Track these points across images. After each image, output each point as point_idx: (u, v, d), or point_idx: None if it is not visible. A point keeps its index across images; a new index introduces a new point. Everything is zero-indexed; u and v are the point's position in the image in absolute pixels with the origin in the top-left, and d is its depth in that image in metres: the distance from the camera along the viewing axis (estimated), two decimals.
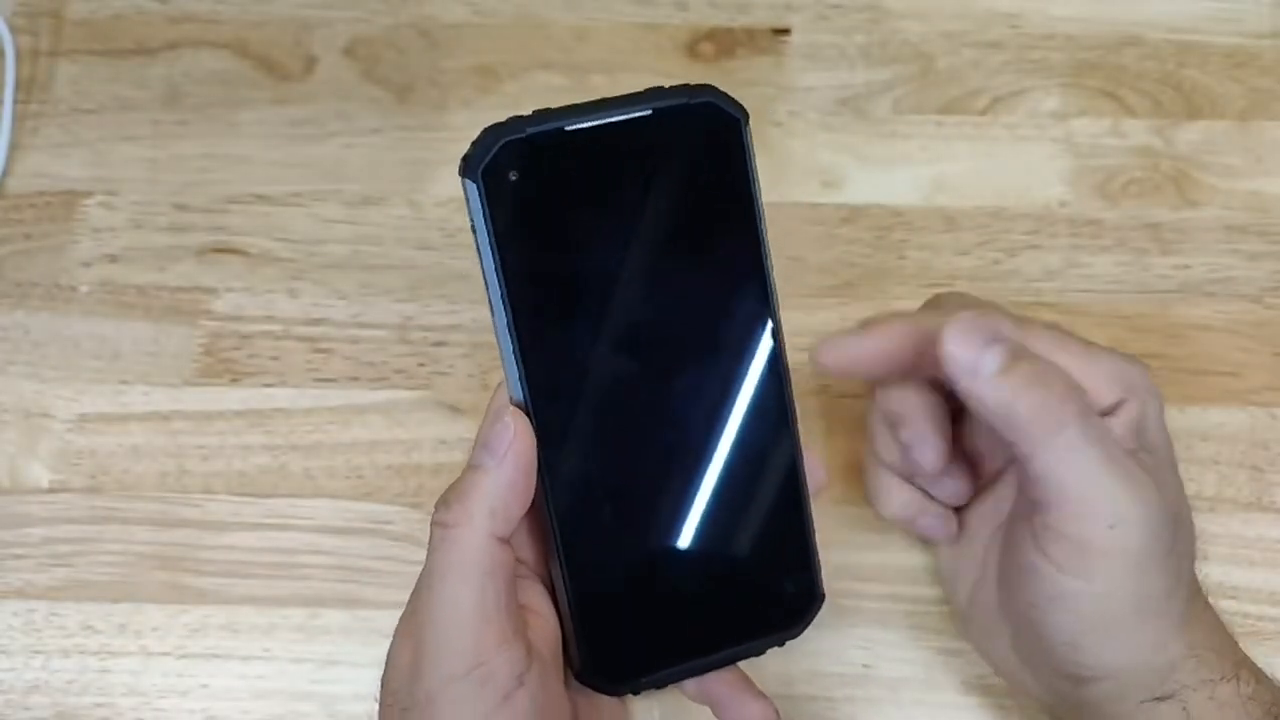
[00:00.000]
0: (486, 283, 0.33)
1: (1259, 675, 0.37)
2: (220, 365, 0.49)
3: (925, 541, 0.44)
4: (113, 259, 0.51)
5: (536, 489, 0.35)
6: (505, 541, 0.34)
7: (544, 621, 0.36)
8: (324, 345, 0.49)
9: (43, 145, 0.53)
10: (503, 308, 0.33)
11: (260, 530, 0.46)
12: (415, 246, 0.51)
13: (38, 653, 0.44)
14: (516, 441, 0.34)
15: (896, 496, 0.41)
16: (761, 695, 0.39)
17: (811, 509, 0.37)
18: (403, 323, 0.50)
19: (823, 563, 0.38)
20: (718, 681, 0.38)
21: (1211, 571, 0.45)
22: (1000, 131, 0.53)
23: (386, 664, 0.35)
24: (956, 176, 0.52)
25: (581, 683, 0.36)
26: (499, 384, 0.38)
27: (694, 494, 0.36)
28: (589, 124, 0.32)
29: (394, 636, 0.36)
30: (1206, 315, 0.49)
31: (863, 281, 0.50)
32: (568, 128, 0.32)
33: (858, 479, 0.46)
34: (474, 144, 0.33)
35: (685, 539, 0.36)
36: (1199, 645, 0.37)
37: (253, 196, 0.52)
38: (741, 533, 0.37)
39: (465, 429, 0.47)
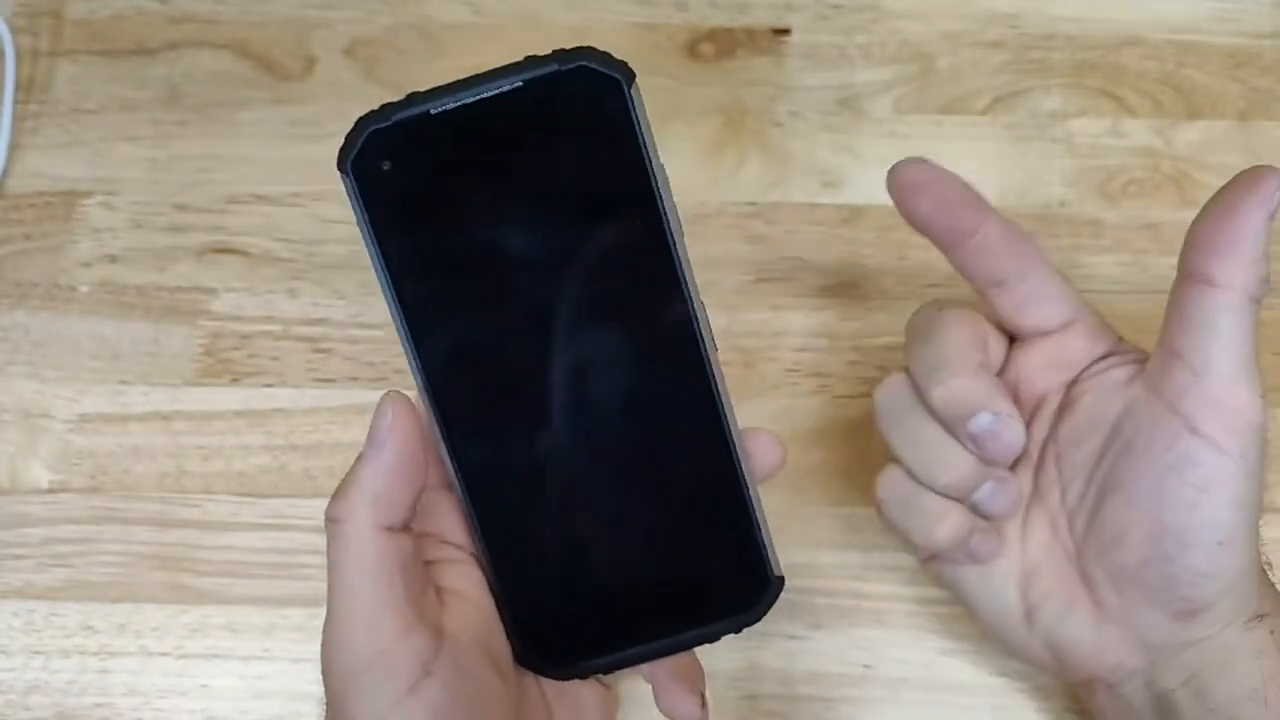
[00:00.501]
0: (374, 273, 0.32)
1: None
2: (220, 365, 0.49)
3: (972, 562, 0.40)
4: (113, 259, 0.51)
5: (447, 471, 0.34)
6: (395, 530, 0.33)
7: (468, 605, 0.35)
8: (324, 345, 0.49)
9: (43, 145, 0.53)
10: (391, 298, 0.32)
11: (260, 530, 0.46)
12: None
13: (38, 653, 0.44)
14: (395, 427, 0.33)
15: (948, 519, 0.38)
16: (691, 693, 0.37)
17: (755, 491, 0.36)
18: None
19: (774, 548, 0.37)
20: (660, 669, 0.37)
21: None
22: (1000, 131, 0.53)
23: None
24: (957, 174, 0.52)
25: (520, 665, 0.36)
26: None
27: (612, 475, 0.35)
28: (455, 104, 0.31)
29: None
30: None
31: (863, 281, 0.50)
32: (433, 111, 0.31)
33: (857, 479, 0.46)
34: (345, 135, 0.32)
35: (607, 522, 0.35)
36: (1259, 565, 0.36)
37: (253, 196, 0.52)
38: (672, 512, 0.36)
39: None
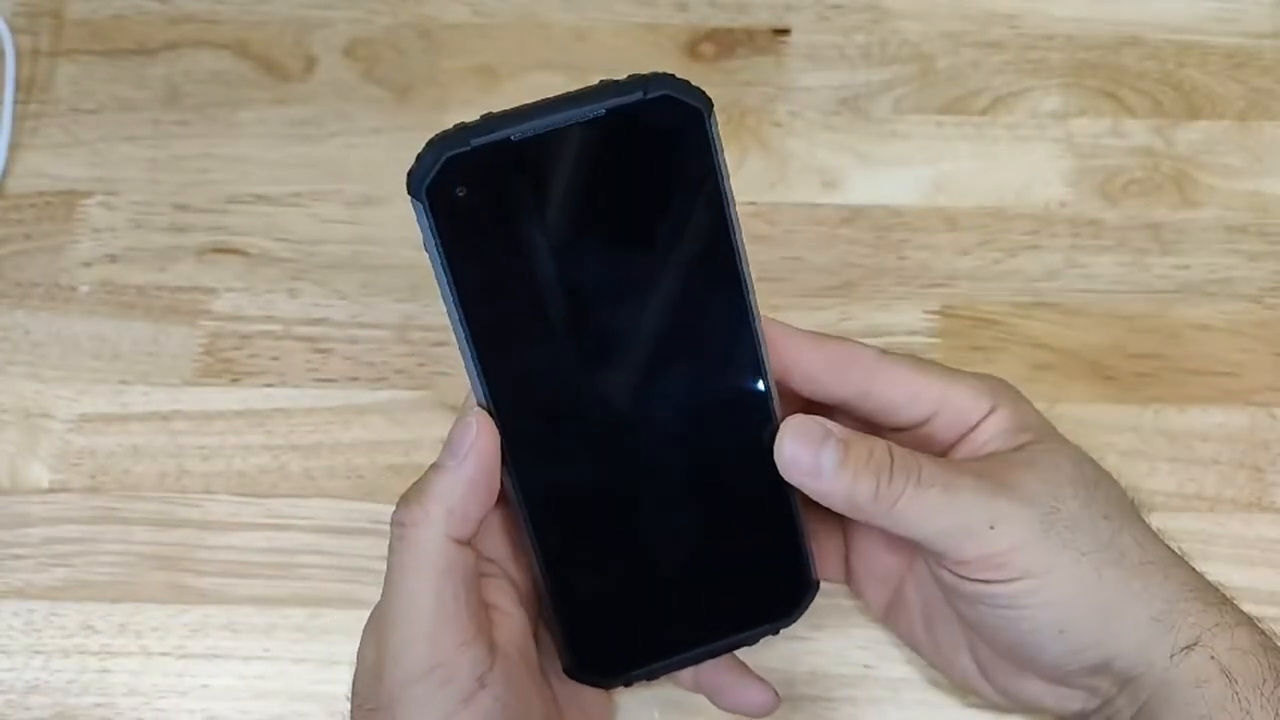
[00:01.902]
0: (441, 296, 0.32)
1: (1258, 624, 0.37)
2: (220, 365, 0.49)
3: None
4: (113, 259, 0.51)
5: (506, 489, 0.34)
6: (464, 543, 0.34)
7: (511, 620, 0.35)
8: (324, 345, 0.49)
9: (43, 145, 0.53)
10: (459, 321, 0.32)
11: (260, 530, 0.46)
12: (415, 246, 0.50)
13: (38, 653, 0.44)
14: (479, 441, 0.33)
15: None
16: (760, 679, 0.39)
17: (797, 497, 0.37)
18: (403, 323, 0.50)
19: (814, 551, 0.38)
20: (714, 670, 0.38)
21: (1212, 571, 0.45)
22: (1000, 131, 0.53)
23: (356, 664, 0.36)
24: (956, 176, 0.52)
25: (570, 678, 0.36)
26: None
27: (672, 489, 0.36)
28: (537, 131, 0.31)
29: (362, 636, 0.36)
30: (1206, 315, 0.49)
31: (863, 281, 0.50)
32: (515, 138, 0.31)
33: None
34: (417, 158, 0.31)
35: (665, 533, 0.36)
36: (1192, 585, 0.36)
37: (253, 196, 0.52)
38: (724, 524, 0.37)
39: None
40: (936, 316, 0.49)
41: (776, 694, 0.39)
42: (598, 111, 0.31)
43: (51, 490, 0.47)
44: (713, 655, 0.38)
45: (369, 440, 0.47)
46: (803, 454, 0.34)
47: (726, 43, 0.55)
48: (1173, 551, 0.37)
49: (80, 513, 0.46)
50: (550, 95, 0.31)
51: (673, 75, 0.32)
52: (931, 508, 0.35)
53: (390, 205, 0.52)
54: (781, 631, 0.38)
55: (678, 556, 0.37)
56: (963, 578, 0.35)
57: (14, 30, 0.55)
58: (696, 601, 0.37)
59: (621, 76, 0.32)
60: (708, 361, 0.34)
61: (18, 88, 0.54)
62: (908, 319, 0.49)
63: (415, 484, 0.34)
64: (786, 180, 0.52)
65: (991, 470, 0.36)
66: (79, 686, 0.44)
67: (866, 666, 0.44)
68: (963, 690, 0.41)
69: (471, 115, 0.53)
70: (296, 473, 0.47)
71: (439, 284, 0.32)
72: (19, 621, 0.45)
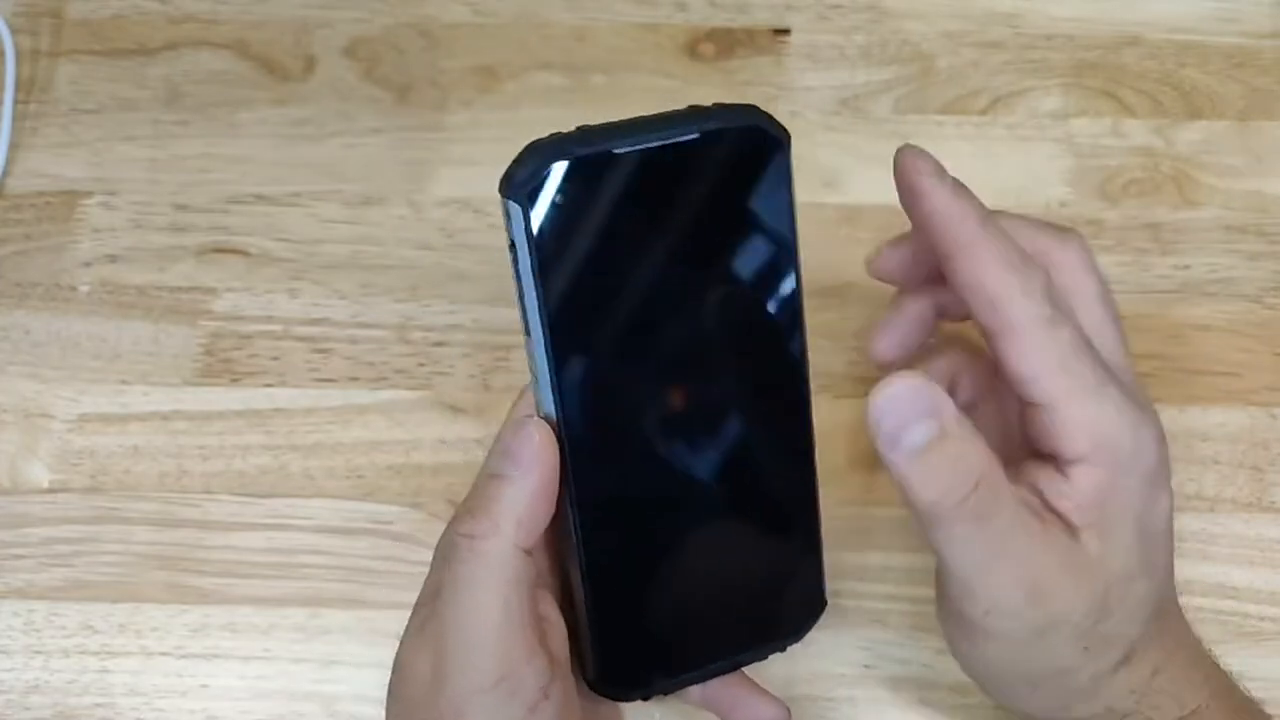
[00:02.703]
0: (523, 301, 0.33)
1: (1235, 704, 0.37)
2: (220, 365, 0.49)
3: None
4: (113, 259, 0.51)
5: (559, 500, 0.34)
6: (528, 552, 0.34)
7: (559, 630, 0.36)
8: (324, 345, 0.49)
9: (43, 145, 0.53)
10: (541, 329, 0.33)
11: (260, 530, 0.46)
12: (415, 246, 0.51)
13: (38, 653, 0.44)
14: (543, 451, 0.33)
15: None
16: (772, 696, 0.39)
17: (821, 523, 0.38)
18: (403, 323, 0.50)
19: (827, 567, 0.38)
20: (724, 686, 0.39)
21: (1211, 571, 0.45)
22: (1000, 131, 0.53)
23: (399, 670, 0.35)
24: (957, 176, 0.52)
25: (593, 690, 0.37)
26: (523, 390, 0.38)
27: (714, 510, 0.36)
28: (636, 147, 0.32)
29: (406, 645, 0.35)
30: (1206, 315, 0.49)
31: (863, 281, 0.50)
32: (615, 150, 0.32)
33: (857, 479, 0.46)
34: (518, 163, 0.32)
35: (702, 554, 0.37)
36: (1149, 691, 0.36)
37: (253, 196, 0.52)
38: (756, 547, 0.37)
39: (465, 429, 0.47)
40: None
41: (787, 709, 0.39)
42: (691, 134, 0.32)
43: (51, 490, 0.47)
44: (725, 671, 0.39)
45: (369, 440, 0.47)
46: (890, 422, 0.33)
47: (726, 43, 0.55)
48: (1173, 644, 0.37)
49: (80, 513, 0.46)
50: (639, 115, 0.33)
51: (757, 107, 0.33)
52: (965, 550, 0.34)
53: (390, 205, 0.52)
54: (788, 649, 0.39)
55: (710, 576, 0.37)
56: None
57: (14, 30, 0.55)
58: (720, 619, 0.38)
59: (708, 103, 0.33)
60: (757, 385, 0.35)
61: (18, 88, 0.54)
62: None
63: (475, 495, 0.34)
64: None
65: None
66: (79, 686, 0.44)
67: (866, 666, 0.44)
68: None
69: (472, 115, 0.54)
70: (296, 473, 0.47)
71: (523, 288, 0.33)
72: (19, 621, 0.45)
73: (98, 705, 0.44)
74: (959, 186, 0.34)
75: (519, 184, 0.31)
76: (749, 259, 0.34)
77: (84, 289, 0.50)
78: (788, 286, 0.35)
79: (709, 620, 0.38)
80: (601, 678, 0.37)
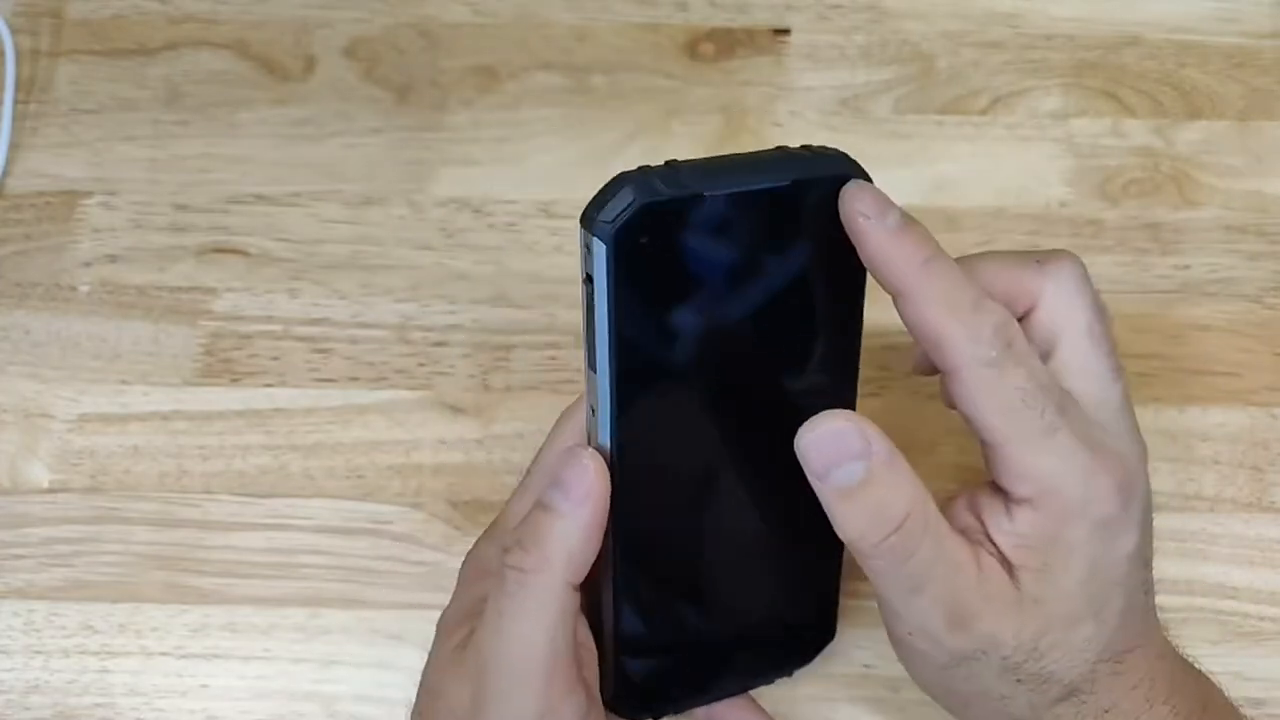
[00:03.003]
0: (592, 336, 0.32)
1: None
2: (220, 365, 0.49)
3: None
4: (113, 259, 0.51)
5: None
6: (576, 588, 0.34)
7: (592, 657, 0.36)
8: (324, 345, 0.49)
9: (43, 145, 0.53)
10: (609, 367, 0.32)
11: (260, 530, 0.46)
12: (415, 246, 0.51)
13: (38, 653, 0.44)
14: (596, 486, 0.33)
15: None
16: (763, 713, 0.40)
17: (844, 562, 0.38)
18: (403, 323, 0.50)
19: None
20: (728, 709, 0.39)
21: (1211, 571, 0.45)
22: (1000, 131, 0.53)
23: (431, 695, 0.36)
24: (956, 176, 0.52)
25: (609, 709, 0.37)
26: (564, 411, 0.38)
27: (744, 549, 0.37)
28: (728, 191, 0.31)
29: (441, 670, 0.35)
30: (1206, 315, 0.49)
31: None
32: (707, 194, 0.31)
33: None
34: (606, 199, 0.31)
35: (726, 587, 0.37)
36: None
37: (253, 196, 0.52)
38: (778, 583, 0.38)
39: (465, 429, 0.47)
40: None
41: None
42: (782, 182, 0.32)
43: (51, 490, 0.47)
44: (733, 693, 0.40)
45: (369, 440, 0.47)
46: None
47: (726, 43, 0.55)
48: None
49: (80, 513, 0.46)
50: (730, 153, 0.32)
51: (845, 154, 0.33)
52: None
53: (390, 205, 0.52)
54: (795, 674, 0.40)
55: (734, 604, 0.38)
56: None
57: (14, 30, 0.55)
58: (736, 647, 0.39)
59: (794, 145, 0.33)
60: (800, 420, 0.35)
61: (18, 88, 0.54)
62: None
63: (526, 527, 0.34)
64: None
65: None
66: (79, 686, 0.44)
67: (866, 666, 0.44)
68: None
69: (472, 115, 0.54)
70: (296, 473, 0.47)
71: (595, 324, 0.32)
72: (19, 621, 0.45)
73: (98, 705, 0.44)
74: (905, 223, 0.32)
75: (605, 221, 0.31)
76: (819, 310, 0.34)
77: (84, 289, 0.50)
78: (850, 341, 0.35)
79: (725, 648, 0.38)
80: (617, 698, 0.37)
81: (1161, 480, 0.46)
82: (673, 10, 0.56)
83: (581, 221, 0.31)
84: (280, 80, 0.55)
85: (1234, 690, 0.42)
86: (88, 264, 0.51)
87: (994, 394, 0.32)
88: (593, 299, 0.32)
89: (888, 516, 0.32)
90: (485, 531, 0.40)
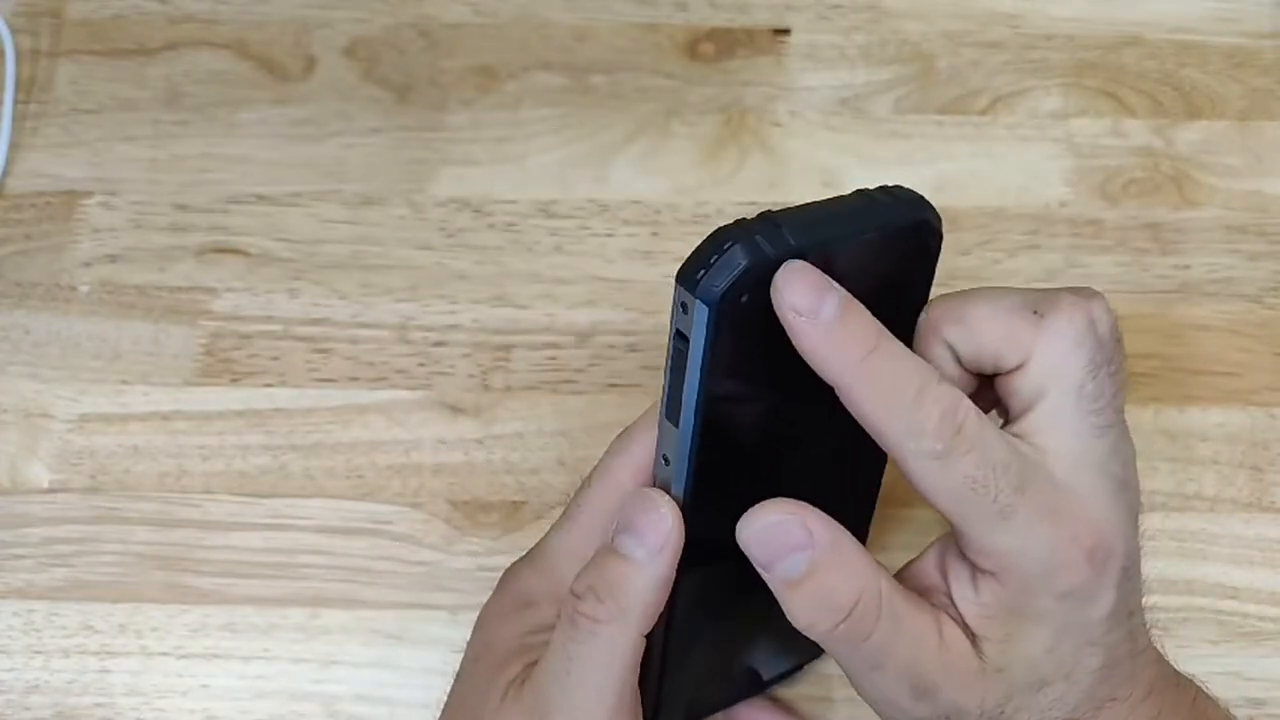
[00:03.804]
0: (677, 390, 0.31)
1: None
2: (220, 365, 0.49)
3: None
4: (113, 259, 0.51)
5: None
6: (645, 637, 0.34)
7: (640, 697, 0.35)
8: (324, 345, 0.49)
9: (43, 145, 0.53)
10: (692, 424, 0.31)
11: (260, 530, 0.46)
12: (415, 246, 0.51)
13: (38, 653, 0.44)
14: (673, 537, 0.33)
15: None
16: (788, 714, 0.40)
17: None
18: (403, 323, 0.50)
19: None
20: (750, 710, 0.40)
21: (1211, 571, 0.45)
22: (1000, 131, 0.53)
23: None
24: (956, 176, 0.52)
25: None
26: (617, 438, 0.36)
27: None
28: (825, 246, 0.30)
29: (491, 703, 0.35)
30: (1206, 315, 0.49)
31: None
32: (810, 254, 0.30)
33: None
34: (708, 257, 0.30)
35: (760, 615, 0.36)
36: None
37: (253, 196, 0.52)
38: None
39: (465, 429, 0.47)
40: None
41: None
42: (871, 232, 0.31)
43: (51, 490, 0.47)
44: (749, 695, 0.40)
45: (369, 440, 0.47)
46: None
47: (726, 43, 0.55)
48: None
49: (80, 513, 0.46)
50: (819, 200, 0.32)
51: (923, 198, 0.32)
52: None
53: (390, 205, 0.52)
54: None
55: (763, 628, 0.38)
56: None
57: (14, 30, 0.55)
58: (761, 659, 0.39)
59: (872, 187, 0.32)
60: (846, 474, 0.35)
61: (18, 88, 0.54)
62: None
63: (600, 574, 0.33)
64: (787, 180, 0.52)
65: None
66: (79, 686, 0.44)
67: None
68: None
69: (472, 115, 0.54)
70: (296, 473, 0.47)
71: (685, 380, 0.31)
72: (19, 621, 0.45)
73: (98, 705, 0.44)
74: (841, 315, 0.31)
75: (713, 285, 0.30)
76: None
77: (84, 289, 0.50)
78: None
79: (753, 661, 0.39)
80: (653, 718, 0.37)
81: (1161, 480, 0.46)
82: (673, 10, 0.56)
83: (679, 279, 0.30)
84: (280, 80, 0.55)
85: (1234, 690, 0.42)
86: (88, 264, 0.51)
87: (941, 484, 0.31)
88: (684, 357, 0.31)
89: (836, 605, 0.32)
90: (527, 558, 0.38)
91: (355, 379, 0.49)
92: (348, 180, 0.52)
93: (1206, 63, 0.54)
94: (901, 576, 0.35)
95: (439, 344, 0.49)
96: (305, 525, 0.46)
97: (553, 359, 0.49)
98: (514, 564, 0.38)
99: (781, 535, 0.32)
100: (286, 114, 0.54)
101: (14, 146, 0.53)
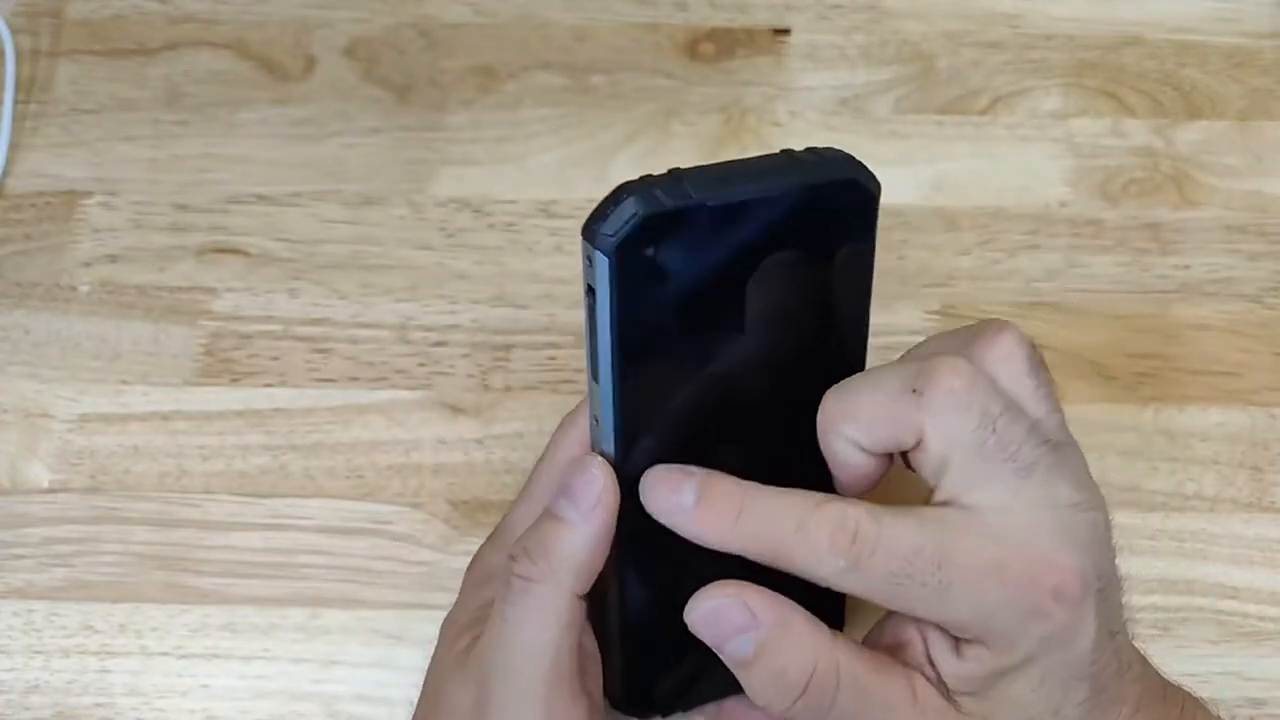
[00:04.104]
0: (594, 346, 0.32)
1: None
2: (220, 365, 0.49)
3: None
4: (113, 259, 0.51)
5: None
6: (582, 597, 0.34)
7: (595, 664, 0.35)
8: (324, 345, 0.49)
9: (43, 145, 0.53)
10: (611, 378, 0.32)
11: (260, 530, 0.46)
12: (415, 246, 0.51)
13: (38, 653, 0.44)
14: (605, 496, 0.33)
15: None
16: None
17: None
18: (403, 323, 0.50)
19: None
20: (737, 706, 0.39)
21: (1211, 571, 0.45)
22: (1000, 131, 0.53)
23: (434, 700, 0.36)
24: (956, 176, 0.52)
25: (614, 708, 0.37)
26: (566, 416, 0.38)
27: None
28: (730, 201, 0.31)
29: (444, 675, 0.35)
30: (1206, 315, 0.49)
31: None
32: (710, 204, 0.31)
33: None
34: (607, 210, 0.30)
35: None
36: None
37: (253, 196, 0.52)
38: (786, 580, 0.37)
39: (465, 429, 0.47)
40: (936, 317, 0.49)
41: None
42: (787, 188, 0.31)
43: (51, 490, 0.47)
44: (738, 691, 0.39)
45: (369, 440, 0.47)
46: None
47: (726, 43, 0.55)
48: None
49: (80, 513, 0.46)
50: (734, 159, 0.32)
51: (852, 156, 0.32)
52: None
53: (390, 205, 0.52)
54: None
55: None
56: None
57: (14, 30, 0.55)
58: None
59: (798, 148, 0.32)
60: (806, 437, 0.34)
61: (18, 88, 0.54)
62: (907, 319, 0.49)
63: (534, 535, 0.34)
64: None
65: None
66: (79, 686, 0.44)
67: None
68: None
69: (472, 115, 0.54)
70: (296, 473, 0.47)
71: (597, 335, 0.32)
72: (19, 621, 0.45)
73: (98, 705, 0.44)
74: (702, 493, 0.32)
75: (607, 234, 0.30)
76: (828, 314, 0.33)
77: (84, 289, 0.50)
78: (859, 344, 0.34)
79: None
80: (625, 699, 0.37)
81: (1161, 480, 0.46)
82: (673, 10, 0.56)
83: (583, 233, 0.31)
84: (280, 80, 0.55)
85: (1234, 690, 0.42)
86: (88, 264, 0.51)
87: (866, 589, 0.32)
88: (595, 310, 0.31)
89: (790, 682, 0.32)
90: (489, 537, 0.40)
91: (355, 379, 0.49)
92: (348, 180, 0.52)
93: (1206, 63, 0.54)
94: (874, 633, 0.35)
95: (439, 344, 0.49)
96: (305, 525, 0.46)
97: (553, 359, 0.49)
98: (480, 545, 0.39)
99: (725, 617, 0.32)
100: (286, 114, 0.54)
101: (14, 146, 0.53)
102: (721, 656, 0.33)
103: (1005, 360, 0.33)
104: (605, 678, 0.36)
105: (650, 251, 0.30)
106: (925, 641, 0.33)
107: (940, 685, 0.33)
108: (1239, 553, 0.45)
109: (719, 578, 0.36)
